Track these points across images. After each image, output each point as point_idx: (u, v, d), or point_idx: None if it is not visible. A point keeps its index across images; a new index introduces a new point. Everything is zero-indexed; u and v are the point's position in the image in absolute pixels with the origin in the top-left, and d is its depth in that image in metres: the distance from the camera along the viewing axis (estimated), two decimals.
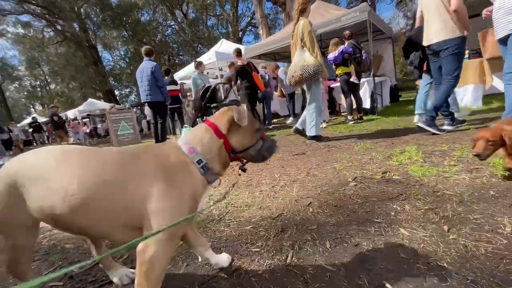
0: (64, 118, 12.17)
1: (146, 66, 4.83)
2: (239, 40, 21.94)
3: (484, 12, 2.51)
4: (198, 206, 0.86)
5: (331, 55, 5.03)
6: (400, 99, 8.71)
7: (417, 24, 3.13)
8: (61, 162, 0.77)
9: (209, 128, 0.88)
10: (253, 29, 25.73)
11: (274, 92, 7.67)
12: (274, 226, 1.34)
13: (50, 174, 0.75)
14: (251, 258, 1.10)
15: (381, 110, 6.15)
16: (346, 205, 1.49)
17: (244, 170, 0.96)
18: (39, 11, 23.08)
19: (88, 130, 14.07)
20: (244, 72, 5.33)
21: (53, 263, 1.31)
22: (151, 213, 0.74)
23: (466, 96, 4.83)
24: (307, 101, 3.47)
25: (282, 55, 9.44)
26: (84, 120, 15.19)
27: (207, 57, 9.02)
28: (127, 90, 31.46)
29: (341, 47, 4.86)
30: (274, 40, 7.34)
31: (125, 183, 0.75)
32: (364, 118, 5.13)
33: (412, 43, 3.15)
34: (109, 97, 23.78)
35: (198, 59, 7.26)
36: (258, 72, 5.76)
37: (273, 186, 1.96)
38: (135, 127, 8.58)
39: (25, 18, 24.96)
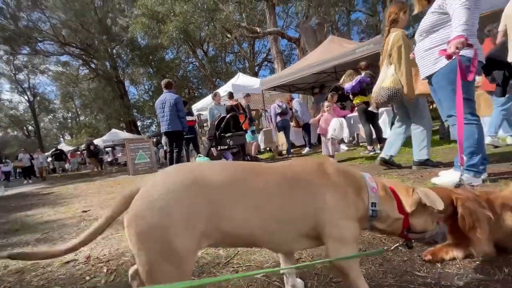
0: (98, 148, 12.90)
1: (167, 98, 5.05)
2: (255, 74, 22.96)
3: (411, 55, 2.55)
4: None
5: (347, 85, 4.98)
6: None
7: (499, 39, 3.00)
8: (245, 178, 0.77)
9: (394, 201, 0.88)
10: (268, 64, 27.01)
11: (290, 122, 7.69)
12: None
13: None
14: None
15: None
16: (363, 234, 1.24)
17: (410, 247, 0.96)
18: (77, 52, 25.89)
19: (109, 159, 14.62)
20: (232, 110, 5.91)
21: None
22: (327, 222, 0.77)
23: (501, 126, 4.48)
24: (411, 118, 2.92)
25: (297, 87, 9.62)
26: (107, 149, 15.87)
27: (224, 89, 9.36)
28: (149, 121, 33.15)
29: (359, 77, 4.82)
30: (289, 73, 7.52)
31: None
32: None
33: (494, 61, 2.88)
34: (131, 127, 25.06)
35: (215, 91, 7.57)
36: (245, 113, 6.37)
37: None
38: (152, 156, 8.73)
39: (64, 58, 28.05)
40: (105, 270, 1.43)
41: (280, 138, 6.46)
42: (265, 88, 8.35)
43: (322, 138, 5.48)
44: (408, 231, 0.89)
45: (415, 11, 2.38)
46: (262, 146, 7.97)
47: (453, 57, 1.85)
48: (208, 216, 0.67)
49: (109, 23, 24.74)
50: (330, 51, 6.91)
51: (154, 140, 12.22)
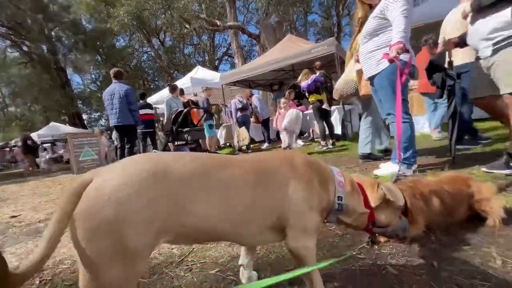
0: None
1: (117, 88, 4.66)
2: (215, 68, 22.48)
3: (355, 57, 2.80)
4: None
5: (304, 84, 5.20)
6: None
7: (439, 49, 3.35)
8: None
9: (361, 195, 0.92)
10: (229, 59, 26.67)
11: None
12: None
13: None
14: None
15: (352, 137, 6.36)
16: (326, 238, 1.33)
17: (374, 243, 1.09)
18: (4, 31, 21.95)
19: (48, 156, 12.84)
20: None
21: None
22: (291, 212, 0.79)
23: (426, 124, 5.18)
24: (363, 114, 3.20)
25: (257, 83, 9.72)
26: (44, 145, 13.91)
27: (182, 83, 8.97)
28: (97, 114, 30.01)
29: (313, 76, 5.07)
30: (249, 68, 7.54)
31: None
32: (337, 143, 5.24)
33: (435, 66, 3.02)
34: (75, 121, 22.41)
35: (173, 83, 7.19)
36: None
37: None
38: (101, 153, 7.95)
39: None
40: (37, 282, 1.26)
41: (242, 132, 6.46)
42: (225, 83, 8.24)
43: (281, 133, 5.67)
44: (373, 225, 0.95)
45: (359, 15, 2.58)
46: (222, 142, 7.88)
47: (394, 61, 2.07)
48: (169, 210, 0.63)
49: (45, 0, 21.48)
50: (288, 49, 7.12)
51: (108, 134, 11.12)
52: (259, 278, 1.04)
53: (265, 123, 7.05)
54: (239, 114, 6.67)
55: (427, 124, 5.02)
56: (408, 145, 2.27)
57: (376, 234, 0.99)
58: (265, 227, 0.79)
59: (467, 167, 2.24)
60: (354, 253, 1.01)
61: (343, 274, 1.01)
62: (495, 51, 1.99)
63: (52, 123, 16.58)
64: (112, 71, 4.84)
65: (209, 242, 0.81)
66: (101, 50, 23.56)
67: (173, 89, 6.46)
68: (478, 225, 1.24)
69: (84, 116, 27.62)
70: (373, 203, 0.92)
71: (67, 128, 16.12)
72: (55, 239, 0.57)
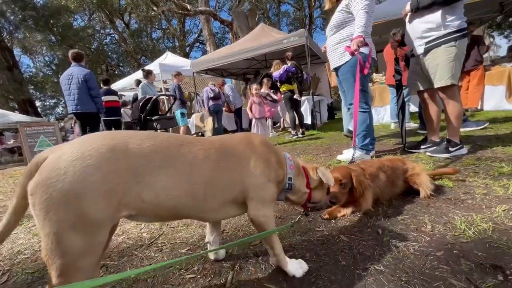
0: None
1: (75, 72, 4.28)
2: (186, 55, 21.59)
3: (322, 49, 2.90)
4: None
5: (276, 73, 5.28)
6: (336, 117, 9.66)
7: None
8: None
9: (304, 178, 1.08)
10: (200, 46, 25.74)
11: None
12: None
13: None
14: (185, 287, 0.93)
15: (320, 126, 6.67)
16: (290, 215, 1.45)
17: (307, 215, 1.33)
18: None
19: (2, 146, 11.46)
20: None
21: None
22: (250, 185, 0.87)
23: (386, 114, 5.63)
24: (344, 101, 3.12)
25: (229, 72, 9.60)
26: None
27: (151, 68, 8.52)
28: (53, 101, 27.26)
29: (285, 66, 5.16)
30: (220, 56, 7.39)
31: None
32: (306, 133, 5.46)
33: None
34: (27, 108, 20.17)
35: (147, 68, 6.75)
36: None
37: None
38: (59, 142, 7.33)
39: None
40: None
41: (208, 123, 6.38)
42: (196, 71, 8.01)
43: (253, 121, 5.73)
44: (308, 202, 1.12)
45: (326, 8, 2.69)
46: (193, 131, 7.74)
47: (355, 54, 2.21)
48: (128, 183, 0.65)
49: None
50: (261, 38, 7.10)
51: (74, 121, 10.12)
52: (227, 253, 1.12)
53: (238, 112, 7.05)
54: (211, 103, 6.57)
55: (387, 114, 5.45)
56: (367, 133, 2.48)
57: (309, 209, 1.17)
58: (226, 201, 0.85)
59: (415, 152, 2.52)
60: (293, 222, 1.14)
61: (303, 244, 1.13)
62: (426, 50, 2.25)
63: None
64: (70, 53, 4.39)
65: (174, 219, 0.84)
66: (55, 29, 21.18)
67: (148, 73, 6.09)
68: (416, 200, 1.44)
69: (38, 103, 24.96)
70: (312, 185, 1.09)
71: (18, 116, 14.44)
72: (18, 210, 0.60)
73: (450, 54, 2.12)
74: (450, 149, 2.22)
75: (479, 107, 5.28)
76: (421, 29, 2.24)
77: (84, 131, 4.65)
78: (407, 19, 2.39)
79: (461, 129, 2.66)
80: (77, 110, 4.33)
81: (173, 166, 0.73)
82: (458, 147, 2.22)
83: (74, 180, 0.58)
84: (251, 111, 5.67)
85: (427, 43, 2.23)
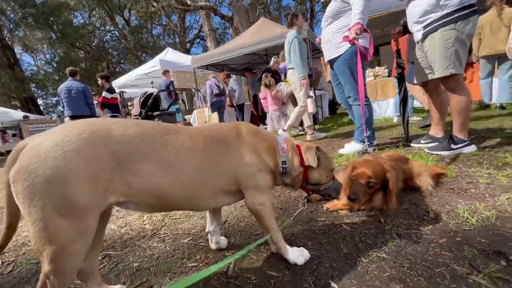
0: None
1: (74, 85, 5.15)
2: (187, 51, 21.48)
3: (317, 40, 2.81)
4: None
5: (282, 65, 5.24)
6: (337, 112, 9.60)
7: None
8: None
9: (298, 156, 1.01)
10: (201, 42, 25.58)
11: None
12: None
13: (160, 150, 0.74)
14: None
15: (322, 121, 6.63)
16: (292, 206, 1.45)
17: (309, 201, 1.27)
18: None
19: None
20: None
21: None
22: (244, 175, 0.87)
23: (389, 108, 5.58)
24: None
25: (230, 67, 9.54)
26: None
27: (151, 65, 8.53)
28: (55, 99, 27.34)
29: None
30: (221, 52, 7.35)
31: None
32: None
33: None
34: (29, 106, 20.24)
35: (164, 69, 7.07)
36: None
37: None
38: None
39: None
40: None
41: (213, 118, 6.37)
42: (197, 66, 7.98)
43: (268, 114, 5.59)
44: (306, 183, 1.05)
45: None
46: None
47: (354, 43, 2.15)
48: (112, 169, 0.64)
49: None
50: (262, 33, 7.04)
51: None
52: (229, 243, 1.12)
53: (240, 107, 7.02)
54: (215, 99, 6.54)
55: (390, 108, 5.40)
56: (368, 125, 2.45)
57: (310, 192, 1.09)
58: (217, 191, 0.84)
59: (417, 145, 2.50)
60: (291, 219, 1.12)
61: (305, 233, 1.13)
62: (424, 35, 1.99)
63: (0, 109, 14.77)
64: (68, 70, 5.25)
65: (168, 209, 0.83)
66: (55, 26, 21.12)
67: (165, 72, 6.57)
68: (417, 190, 1.43)
69: (40, 101, 25.06)
70: (306, 162, 1.00)
71: (20, 114, 14.49)
72: (10, 199, 0.61)
73: (448, 40, 1.85)
74: (453, 146, 2.02)
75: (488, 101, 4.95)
76: (418, 12, 1.96)
77: None
78: (404, 2, 2.19)
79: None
80: (75, 113, 5.06)
81: (158, 153, 0.72)
82: (463, 144, 1.99)
83: (55, 165, 0.57)
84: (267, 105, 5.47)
85: (424, 27, 1.97)
